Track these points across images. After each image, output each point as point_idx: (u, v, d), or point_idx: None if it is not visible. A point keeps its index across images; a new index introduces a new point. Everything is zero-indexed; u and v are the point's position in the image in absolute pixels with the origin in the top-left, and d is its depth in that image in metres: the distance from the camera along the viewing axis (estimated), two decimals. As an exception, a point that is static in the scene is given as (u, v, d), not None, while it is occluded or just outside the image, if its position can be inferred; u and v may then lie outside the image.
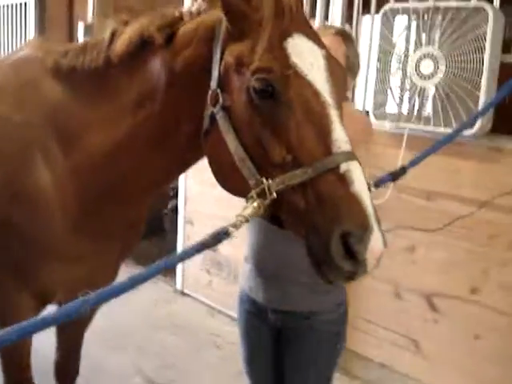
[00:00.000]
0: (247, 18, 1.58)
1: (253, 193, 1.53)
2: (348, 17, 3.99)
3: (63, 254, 2.07)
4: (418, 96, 3.36)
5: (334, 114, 1.52)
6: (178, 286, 5.12)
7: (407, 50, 3.40)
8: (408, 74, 3.39)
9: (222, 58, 1.63)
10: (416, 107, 3.39)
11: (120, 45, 1.88)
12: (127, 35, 1.88)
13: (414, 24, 3.35)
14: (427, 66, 3.31)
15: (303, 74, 1.52)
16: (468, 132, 3.18)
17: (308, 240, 1.51)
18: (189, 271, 5.01)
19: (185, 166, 2.00)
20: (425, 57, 3.31)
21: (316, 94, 1.52)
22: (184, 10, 1.85)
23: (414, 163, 1.95)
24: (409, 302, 3.69)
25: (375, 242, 1.42)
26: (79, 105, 1.97)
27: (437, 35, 3.25)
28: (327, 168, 1.46)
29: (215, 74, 1.64)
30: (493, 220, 3.28)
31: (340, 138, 1.49)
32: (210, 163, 1.74)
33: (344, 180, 1.45)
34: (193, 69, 1.73)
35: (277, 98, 1.51)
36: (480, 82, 3.12)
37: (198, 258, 4.92)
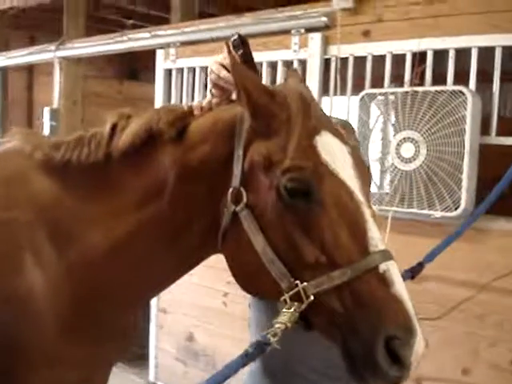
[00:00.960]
0: (273, 115, 1.55)
1: (286, 296, 1.47)
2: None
3: (54, 360, 1.91)
4: (400, 179, 3.39)
5: (367, 212, 1.49)
6: (151, 378, 4.87)
7: (387, 134, 3.45)
8: (389, 158, 3.43)
9: (244, 155, 1.59)
10: (398, 190, 3.41)
11: (124, 139, 1.80)
12: (133, 129, 1.80)
13: (392, 108, 3.41)
14: (408, 150, 3.36)
15: (335, 172, 1.50)
16: (452, 214, 3.20)
17: (346, 344, 1.44)
18: (162, 362, 4.79)
19: (193, 265, 1.88)
20: (405, 140, 3.37)
21: (349, 192, 1.49)
22: (194, 105, 1.82)
23: (430, 258, 1.93)
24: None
25: (419, 344, 1.38)
26: (74, 201, 1.85)
27: (416, 119, 3.31)
28: (366, 269, 1.41)
29: (237, 171, 1.58)
30: (481, 300, 3.26)
31: (376, 236, 1.47)
32: (231, 264, 1.66)
33: (384, 281, 1.42)
34: (209, 165, 1.67)
35: (310, 197, 1.47)
36: (462, 164, 3.17)
37: (171, 348, 4.72)
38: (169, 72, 4.72)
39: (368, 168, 1.66)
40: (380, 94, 3.48)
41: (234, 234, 1.59)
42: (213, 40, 4.22)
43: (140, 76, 9.30)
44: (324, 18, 3.78)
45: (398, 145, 3.39)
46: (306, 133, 1.52)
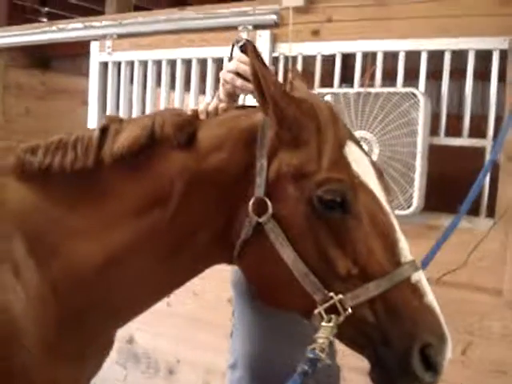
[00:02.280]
0: (302, 125, 1.52)
1: (321, 309, 1.45)
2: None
3: (38, 382, 1.78)
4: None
5: (396, 223, 1.50)
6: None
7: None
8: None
9: (268, 165, 1.54)
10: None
11: (123, 143, 1.66)
12: (132, 133, 1.67)
13: (345, 108, 3.45)
14: (360, 149, 3.41)
15: (366, 184, 1.50)
16: (405, 212, 3.29)
17: (377, 353, 1.46)
18: (100, 366, 4.61)
19: (192, 276, 1.79)
20: (358, 140, 3.42)
21: (379, 203, 1.51)
22: (199, 109, 1.74)
23: (424, 264, 1.98)
24: (351, 382, 3.66)
25: (449, 350, 1.44)
26: (57, 211, 1.70)
27: (369, 119, 3.37)
28: (400, 280, 1.43)
29: (260, 181, 1.52)
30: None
31: (405, 247, 1.50)
32: (253, 277, 1.61)
33: (417, 291, 1.45)
34: (225, 174, 1.59)
35: (346, 209, 1.45)
36: (414, 164, 3.27)
37: (111, 352, 4.56)
38: (104, 65, 4.53)
39: (385, 178, 1.67)
40: (332, 94, 3.51)
41: (258, 246, 1.54)
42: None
43: (53, 65, 8.89)
44: (273, 16, 3.76)
45: (350, 144, 3.44)
46: (337, 143, 1.51)
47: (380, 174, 1.59)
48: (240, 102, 1.91)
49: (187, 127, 1.66)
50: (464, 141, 3.34)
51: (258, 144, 1.55)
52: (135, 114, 4.38)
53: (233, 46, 1.82)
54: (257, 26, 3.87)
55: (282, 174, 1.51)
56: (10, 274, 1.66)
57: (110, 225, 1.67)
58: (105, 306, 1.72)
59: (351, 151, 1.53)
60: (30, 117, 5.44)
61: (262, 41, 3.84)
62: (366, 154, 1.60)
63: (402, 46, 3.45)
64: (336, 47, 3.66)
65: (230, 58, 1.84)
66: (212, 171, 1.60)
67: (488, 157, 3.23)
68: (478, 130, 3.36)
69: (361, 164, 1.53)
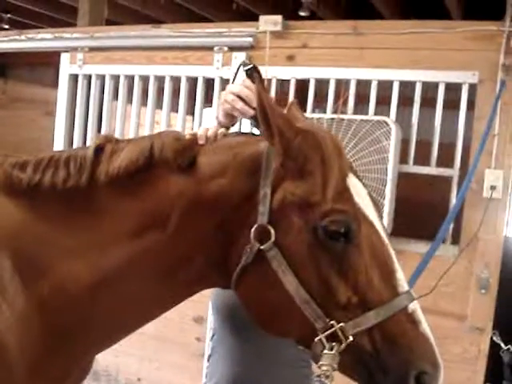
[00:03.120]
0: (307, 156, 1.54)
1: (322, 336, 1.47)
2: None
3: None
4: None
5: (393, 253, 1.54)
6: (44, 401, 4.56)
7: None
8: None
9: (272, 193, 1.55)
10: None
11: (119, 164, 1.64)
12: (130, 154, 1.65)
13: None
14: (332, 173, 3.48)
15: (366, 215, 1.54)
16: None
17: (373, 380, 1.49)
18: None
19: (185, 298, 1.79)
20: (329, 164, 3.48)
21: (378, 234, 1.54)
22: (199, 134, 1.75)
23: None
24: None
25: (442, 377, 1.48)
26: (47, 229, 1.66)
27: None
28: (398, 309, 1.48)
29: (264, 209, 1.54)
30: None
31: (402, 277, 1.54)
32: (252, 303, 1.61)
33: (413, 320, 1.49)
34: (226, 200, 1.59)
35: (348, 239, 1.49)
36: (384, 190, 3.36)
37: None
38: (74, 77, 4.48)
39: (380, 207, 1.72)
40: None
41: (258, 273, 1.55)
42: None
43: (9, 74, 8.72)
44: (249, 39, 3.81)
45: (321, 169, 3.50)
46: (341, 175, 1.54)
47: (377, 207, 1.63)
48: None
49: (187, 152, 1.65)
50: (432, 169, 3.46)
51: (262, 173, 1.56)
52: (104, 128, 4.34)
53: (238, 68, 1.84)
54: (232, 48, 3.91)
55: (287, 203, 1.53)
56: None
57: (101, 245, 1.65)
58: (93, 327, 1.69)
59: (352, 183, 1.56)
60: (-11, 124, 5.33)
61: (238, 63, 3.87)
62: (364, 185, 1.64)
63: (374, 75, 3.55)
64: (310, 73, 3.73)
65: (234, 80, 1.86)
66: (212, 197, 1.61)
67: (455, 186, 3.36)
68: (446, 159, 3.48)
69: (361, 195, 1.57)
